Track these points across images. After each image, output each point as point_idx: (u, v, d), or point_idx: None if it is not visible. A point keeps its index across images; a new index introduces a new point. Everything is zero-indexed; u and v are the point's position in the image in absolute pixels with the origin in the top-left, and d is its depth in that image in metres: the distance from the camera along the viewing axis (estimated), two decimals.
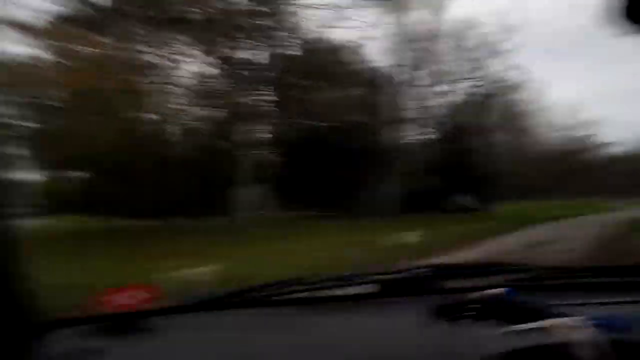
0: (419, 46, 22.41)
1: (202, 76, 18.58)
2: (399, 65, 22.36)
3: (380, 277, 1.37)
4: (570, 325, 0.80)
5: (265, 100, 19.29)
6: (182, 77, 18.07)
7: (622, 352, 0.74)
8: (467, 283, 1.33)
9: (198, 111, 19.71)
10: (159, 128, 19.61)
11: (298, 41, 19.03)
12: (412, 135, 24.12)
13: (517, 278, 1.31)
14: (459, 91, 24.78)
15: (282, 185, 21.55)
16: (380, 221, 16.21)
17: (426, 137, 24.81)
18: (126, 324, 1.03)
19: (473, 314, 0.91)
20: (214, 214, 18.21)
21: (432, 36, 22.59)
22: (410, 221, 15.08)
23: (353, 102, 21.43)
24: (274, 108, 20.13)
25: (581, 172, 37.69)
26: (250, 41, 17.57)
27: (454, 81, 24.41)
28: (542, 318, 0.85)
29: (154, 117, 19.18)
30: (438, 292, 1.24)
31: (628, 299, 1.08)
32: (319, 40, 19.25)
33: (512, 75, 25.19)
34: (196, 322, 1.11)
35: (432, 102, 24.06)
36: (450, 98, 24.75)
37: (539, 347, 0.81)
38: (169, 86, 17.62)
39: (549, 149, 37.33)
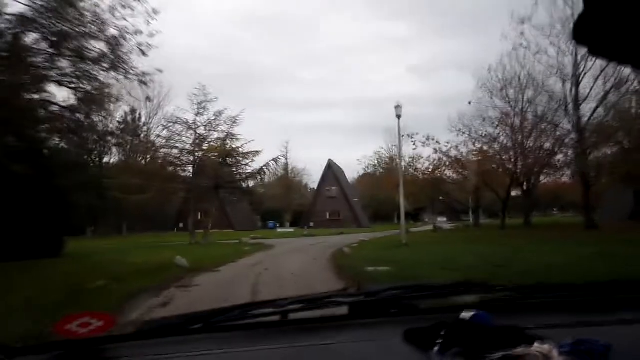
0: None
1: None
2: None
3: (353, 298, 1.34)
4: (542, 352, 0.79)
5: None
6: None
7: None
8: (441, 303, 1.32)
9: None
10: None
11: None
12: None
13: (491, 297, 1.31)
14: None
15: None
16: None
17: None
18: (85, 351, 0.99)
19: (445, 339, 0.90)
20: None
21: None
22: None
23: None
24: None
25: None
26: None
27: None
28: (515, 344, 0.83)
29: None
30: (411, 312, 1.22)
31: (599, 318, 1.08)
32: None
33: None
34: (157, 349, 1.05)
35: None
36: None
37: None
38: None
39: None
